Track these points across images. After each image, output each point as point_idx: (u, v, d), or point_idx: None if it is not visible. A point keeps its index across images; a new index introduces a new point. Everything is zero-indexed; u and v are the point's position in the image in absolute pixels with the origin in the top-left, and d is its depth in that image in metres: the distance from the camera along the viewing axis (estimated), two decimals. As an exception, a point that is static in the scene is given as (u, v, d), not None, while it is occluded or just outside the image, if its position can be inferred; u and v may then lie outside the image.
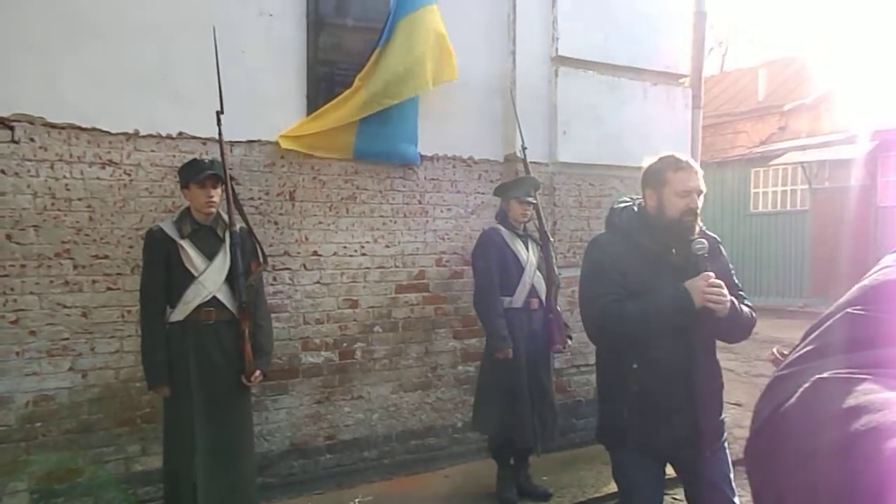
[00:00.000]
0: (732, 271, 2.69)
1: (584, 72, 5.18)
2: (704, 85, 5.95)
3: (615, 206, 2.73)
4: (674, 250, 2.53)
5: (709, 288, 2.37)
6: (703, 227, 2.60)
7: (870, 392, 0.57)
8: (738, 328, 2.56)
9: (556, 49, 5.04)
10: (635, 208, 2.65)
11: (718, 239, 2.69)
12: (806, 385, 0.63)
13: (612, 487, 4.35)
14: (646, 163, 2.64)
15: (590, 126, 5.18)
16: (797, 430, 0.62)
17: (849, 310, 0.70)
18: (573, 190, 5.24)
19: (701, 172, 2.57)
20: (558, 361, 4.94)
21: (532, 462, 4.28)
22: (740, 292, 2.63)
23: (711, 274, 2.40)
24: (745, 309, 2.57)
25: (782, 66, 17.03)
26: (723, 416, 2.67)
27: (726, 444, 2.68)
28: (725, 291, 2.41)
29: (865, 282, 0.74)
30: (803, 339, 0.75)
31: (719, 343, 2.71)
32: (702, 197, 2.55)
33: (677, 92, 5.63)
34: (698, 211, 2.52)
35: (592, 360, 5.26)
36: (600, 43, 5.18)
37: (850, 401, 0.57)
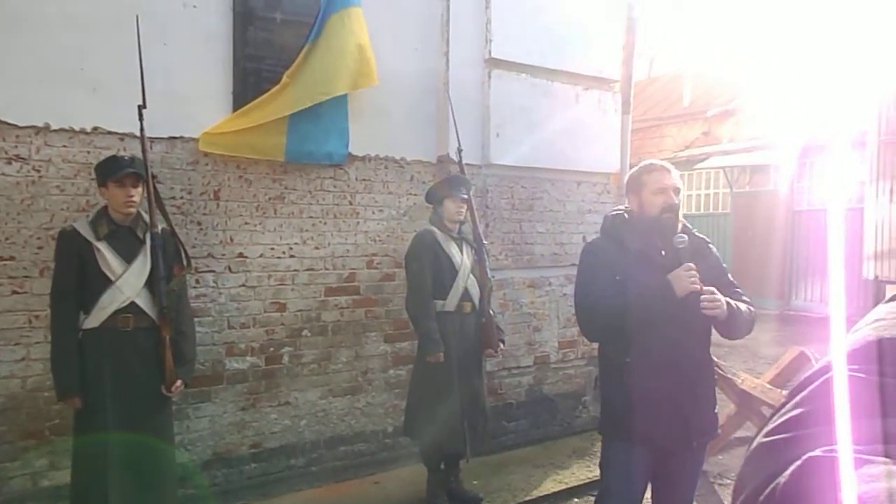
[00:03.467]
0: (726, 269, 2.83)
1: (518, 75, 5.19)
2: (633, 89, 6.05)
3: (608, 214, 2.90)
4: (662, 252, 2.65)
5: (689, 276, 2.49)
6: (689, 226, 2.73)
7: (869, 480, 0.52)
8: (738, 325, 2.66)
9: (490, 51, 5.03)
10: (625, 215, 2.80)
11: (707, 240, 2.84)
12: (798, 463, 0.58)
13: (543, 490, 4.40)
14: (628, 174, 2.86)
15: (522, 129, 5.19)
16: None
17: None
18: (506, 192, 5.24)
19: (676, 173, 2.75)
20: (490, 364, 4.94)
21: (463, 466, 4.24)
22: (736, 289, 2.74)
23: (692, 265, 2.52)
24: (743, 306, 2.67)
25: (706, 73, 17.58)
26: (716, 410, 2.80)
27: (707, 447, 2.82)
28: (719, 296, 2.52)
29: (856, 337, 0.67)
30: (789, 398, 0.69)
31: None
32: (679, 194, 2.71)
33: (608, 97, 5.72)
34: (677, 207, 2.67)
35: (524, 362, 5.37)
36: (534, 47, 5.20)
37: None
